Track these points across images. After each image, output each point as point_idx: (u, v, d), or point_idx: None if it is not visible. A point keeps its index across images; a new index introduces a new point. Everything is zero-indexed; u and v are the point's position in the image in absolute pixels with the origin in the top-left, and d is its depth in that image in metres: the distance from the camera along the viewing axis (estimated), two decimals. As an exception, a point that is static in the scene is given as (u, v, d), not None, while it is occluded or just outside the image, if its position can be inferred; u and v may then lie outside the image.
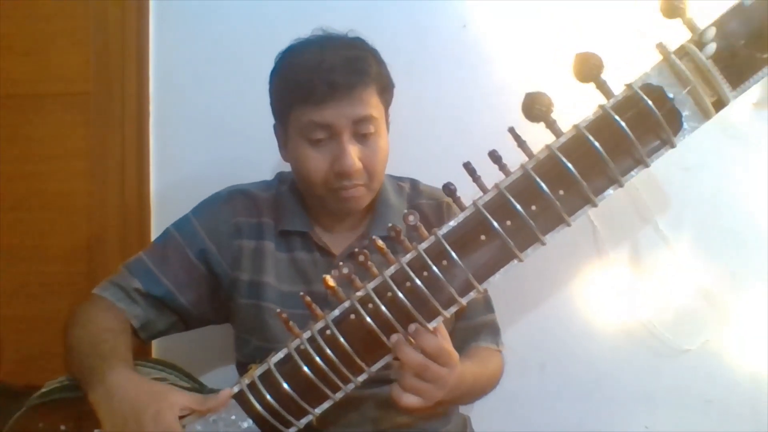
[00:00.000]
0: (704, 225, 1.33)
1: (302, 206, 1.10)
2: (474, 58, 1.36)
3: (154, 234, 1.49)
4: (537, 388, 1.39)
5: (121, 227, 1.49)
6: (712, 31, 0.69)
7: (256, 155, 1.42)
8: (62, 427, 0.90)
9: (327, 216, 1.08)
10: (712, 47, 0.69)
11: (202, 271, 1.08)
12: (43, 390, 0.95)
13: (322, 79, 0.96)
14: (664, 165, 1.30)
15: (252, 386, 0.82)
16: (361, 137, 1.00)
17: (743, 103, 1.28)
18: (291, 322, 0.81)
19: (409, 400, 0.80)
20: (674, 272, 1.34)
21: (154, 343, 1.41)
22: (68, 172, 1.51)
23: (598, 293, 1.37)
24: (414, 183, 1.17)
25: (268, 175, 1.20)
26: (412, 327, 0.77)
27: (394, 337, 0.78)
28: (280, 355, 0.81)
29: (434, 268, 0.76)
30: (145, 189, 1.48)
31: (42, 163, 1.52)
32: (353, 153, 0.98)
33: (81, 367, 0.92)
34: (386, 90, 1.05)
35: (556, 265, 1.37)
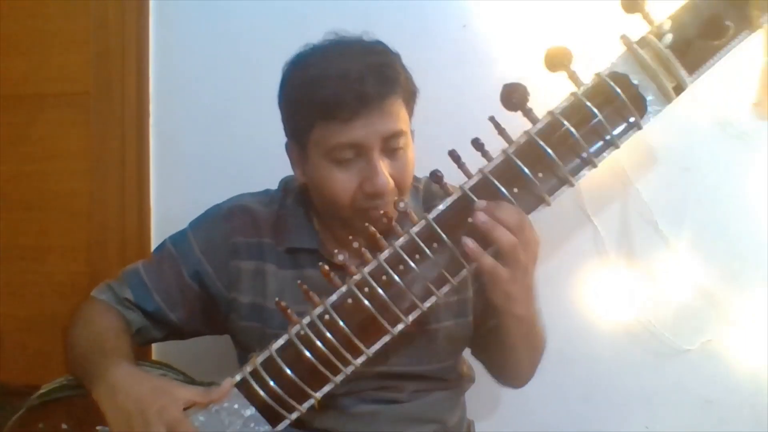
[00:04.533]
0: (704, 225, 1.33)
1: (310, 221, 1.03)
2: (474, 58, 1.36)
3: (154, 234, 1.49)
4: (537, 388, 1.39)
5: (121, 227, 1.49)
6: (668, 24, 0.76)
7: (256, 155, 1.42)
8: (63, 426, 0.90)
9: (341, 227, 0.99)
10: (669, 37, 0.76)
11: (196, 290, 1.04)
12: (42, 390, 0.95)
13: (351, 92, 0.87)
14: (664, 165, 1.31)
15: (255, 373, 0.84)
16: (391, 152, 0.92)
17: (743, 103, 1.28)
18: (289, 310, 0.84)
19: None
20: (674, 272, 1.34)
21: (154, 347, 1.41)
22: (68, 172, 1.51)
23: (598, 293, 1.37)
24: (429, 183, 1.09)
25: (269, 175, 1.17)
26: (482, 203, 0.79)
27: (481, 217, 0.78)
28: (281, 341, 0.84)
29: (426, 250, 0.81)
30: (144, 189, 1.49)
31: (42, 163, 1.52)
32: (385, 171, 0.90)
33: (83, 365, 0.92)
34: (412, 98, 0.97)
35: (556, 265, 1.37)
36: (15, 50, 1.51)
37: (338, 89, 0.87)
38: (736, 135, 1.29)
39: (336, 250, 0.82)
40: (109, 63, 1.48)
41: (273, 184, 1.13)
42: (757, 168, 1.30)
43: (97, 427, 0.86)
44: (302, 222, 1.03)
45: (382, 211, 0.80)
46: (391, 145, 0.91)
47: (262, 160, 1.39)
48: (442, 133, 1.39)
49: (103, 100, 1.49)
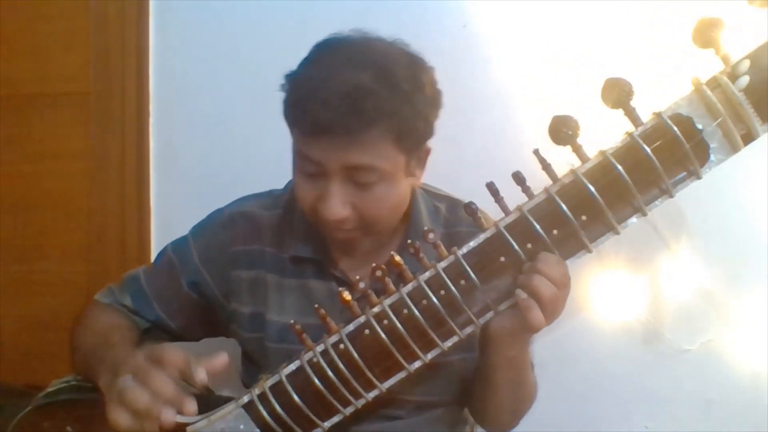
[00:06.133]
0: (704, 225, 1.33)
1: (317, 228, 0.96)
2: (474, 58, 1.36)
3: (153, 234, 1.49)
4: (538, 388, 1.39)
5: (121, 227, 1.49)
6: (746, 64, 0.68)
7: (256, 155, 1.42)
8: (68, 429, 0.89)
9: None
10: (745, 80, 0.67)
11: (195, 299, 1.02)
12: (50, 389, 0.94)
13: (310, 112, 0.80)
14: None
15: (262, 397, 0.80)
16: (359, 183, 0.84)
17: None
18: (304, 334, 0.80)
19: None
20: (674, 272, 1.34)
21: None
22: (68, 172, 1.51)
23: (598, 293, 1.37)
24: (453, 205, 1.02)
25: (269, 174, 1.15)
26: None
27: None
28: (292, 366, 0.80)
29: (452, 287, 0.75)
30: (145, 189, 1.49)
31: (42, 163, 1.52)
32: (339, 199, 0.83)
33: (89, 361, 0.90)
34: (409, 135, 0.85)
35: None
36: (15, 50, 1.51)
37: (303, 104, 0.82)
38: (736, 135, 1.29)
39: (357, 277, 0.78)
40: (109, 63, 1.48)
41: (274, 185, 1.13)
42: (757, 168, 1.30)
43: None
44: (310, 229, 0.97)
45: (409, 241, 0.76)
46: (356, 178, 0.83)
47: (262, 160, 1.39)
48: (441, 133, 1.39)
49: (103, 100, 1.49)
